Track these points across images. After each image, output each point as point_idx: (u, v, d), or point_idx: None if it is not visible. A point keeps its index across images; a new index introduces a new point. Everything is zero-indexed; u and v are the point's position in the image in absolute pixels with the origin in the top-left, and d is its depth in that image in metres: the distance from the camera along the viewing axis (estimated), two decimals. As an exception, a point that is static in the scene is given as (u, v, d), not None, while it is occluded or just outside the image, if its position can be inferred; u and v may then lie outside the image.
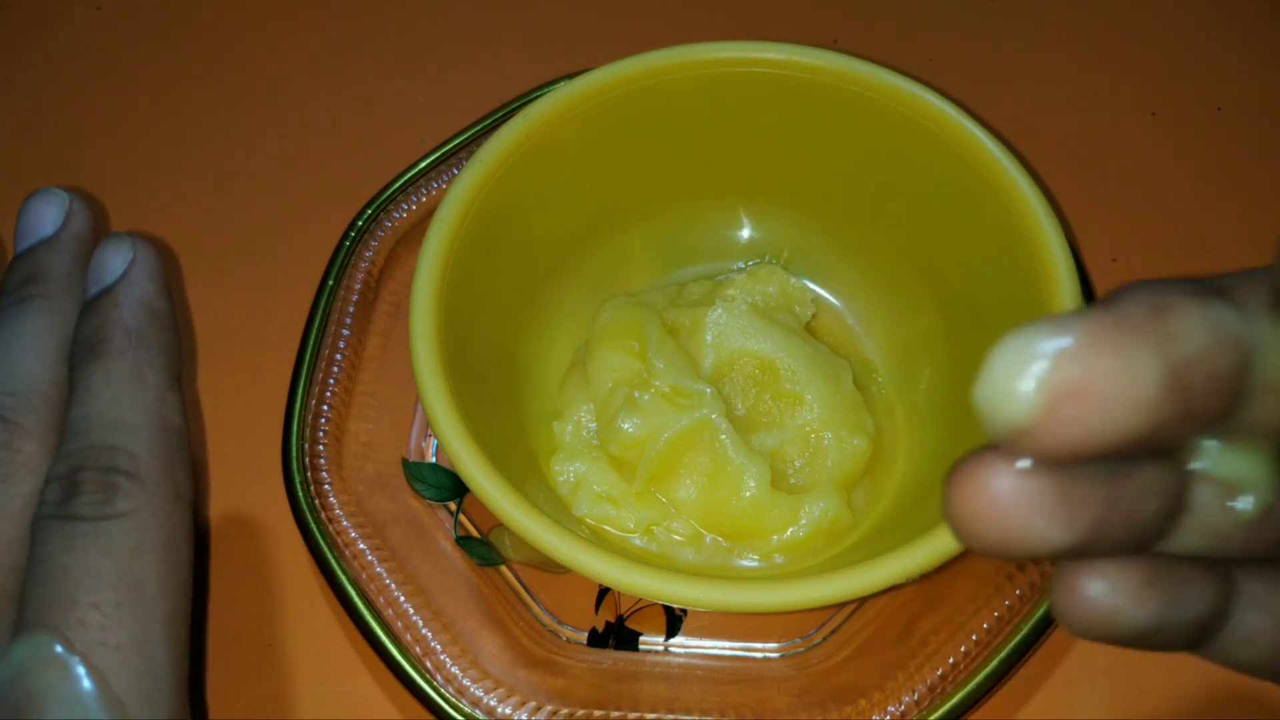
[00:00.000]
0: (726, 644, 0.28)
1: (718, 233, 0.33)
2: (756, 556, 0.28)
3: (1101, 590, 0.15)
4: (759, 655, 0.28)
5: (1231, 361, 0.13)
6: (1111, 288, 0.37)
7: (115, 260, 0.26)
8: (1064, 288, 0.25)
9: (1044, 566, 0.27)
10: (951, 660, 0.26)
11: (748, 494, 0.27)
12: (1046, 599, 0.26)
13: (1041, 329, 0.13)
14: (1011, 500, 0.13)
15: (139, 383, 0.24)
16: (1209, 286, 0.14)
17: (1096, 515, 0.14)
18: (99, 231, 0.27)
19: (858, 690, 0.26)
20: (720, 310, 0.29)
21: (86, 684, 0.19)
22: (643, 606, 0.29)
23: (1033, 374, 0.12)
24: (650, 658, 0.28)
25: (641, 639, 0.28)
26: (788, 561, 0.28)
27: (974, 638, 0.26)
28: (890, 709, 0.26)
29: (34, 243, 0.27)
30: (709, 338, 0.29)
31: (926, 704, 0.26)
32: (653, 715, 0.26)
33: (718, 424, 0.27)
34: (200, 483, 0.30)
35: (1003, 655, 0.26)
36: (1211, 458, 0.15)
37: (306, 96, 0.39)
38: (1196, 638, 0.16)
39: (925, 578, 0.22)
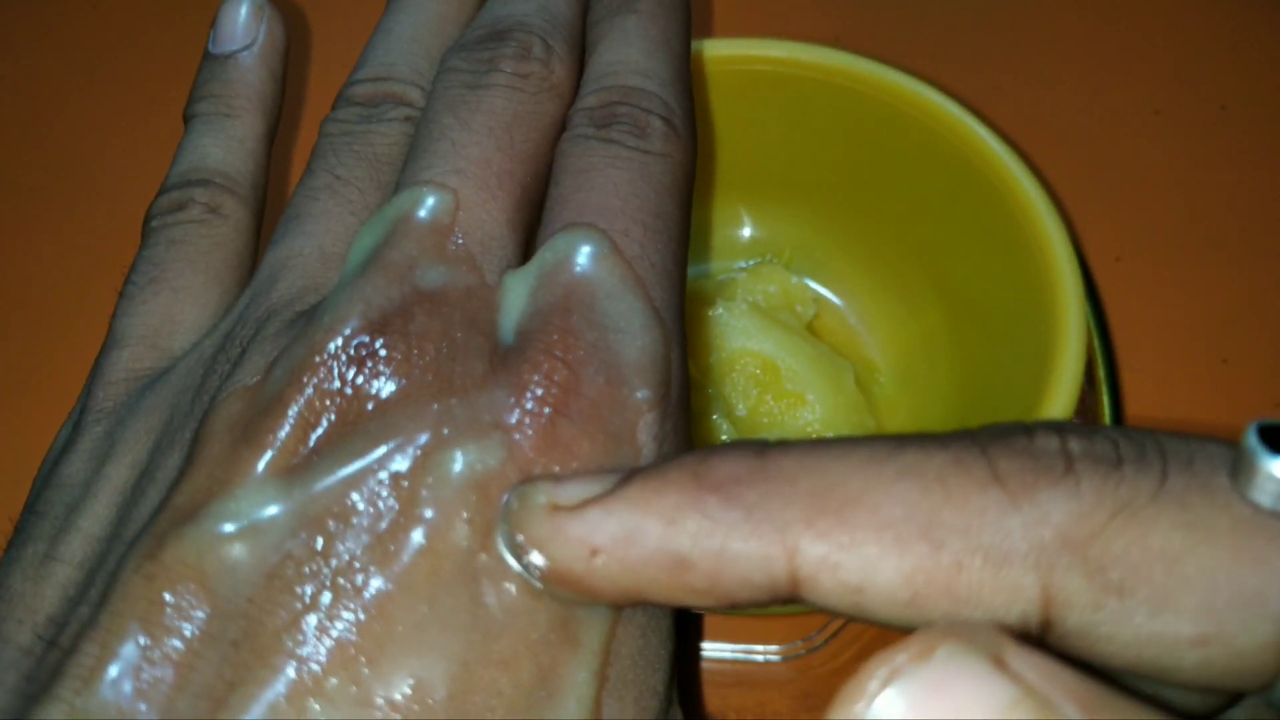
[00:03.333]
0: (727, 646, 0.28)
1: (718, 231, 0.33)
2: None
3: None
4: (760, 658, 0.28)
5: None
6: (1115, 288, 0.37)
7: None
8: (1068, 288, 0.24)
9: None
10: (954, 663, 0.26)
11: (749, 495, 0.27)
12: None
13: None
14: None
15: (669, 45, 0.22)
16: None
17: None
18: None
19: (860, 693, 0.26)
20: (721, 309, 0.29)
21: (631, 286, 0.18)
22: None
23: None
24: (650, 660, 0.28)
25: (642, 641, 0.28)
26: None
27: (977, 640, 0.26)
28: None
29: None
30: (710, 337, 0.29)
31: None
32: (653, 718, 0.26)
33: (718, 424, 0.27)
34: None
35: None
36: None
37: (305, 92, 0.39)
38: None
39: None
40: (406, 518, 0.15)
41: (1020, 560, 0.13)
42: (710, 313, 0.29)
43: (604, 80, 0.21)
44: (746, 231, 0.33)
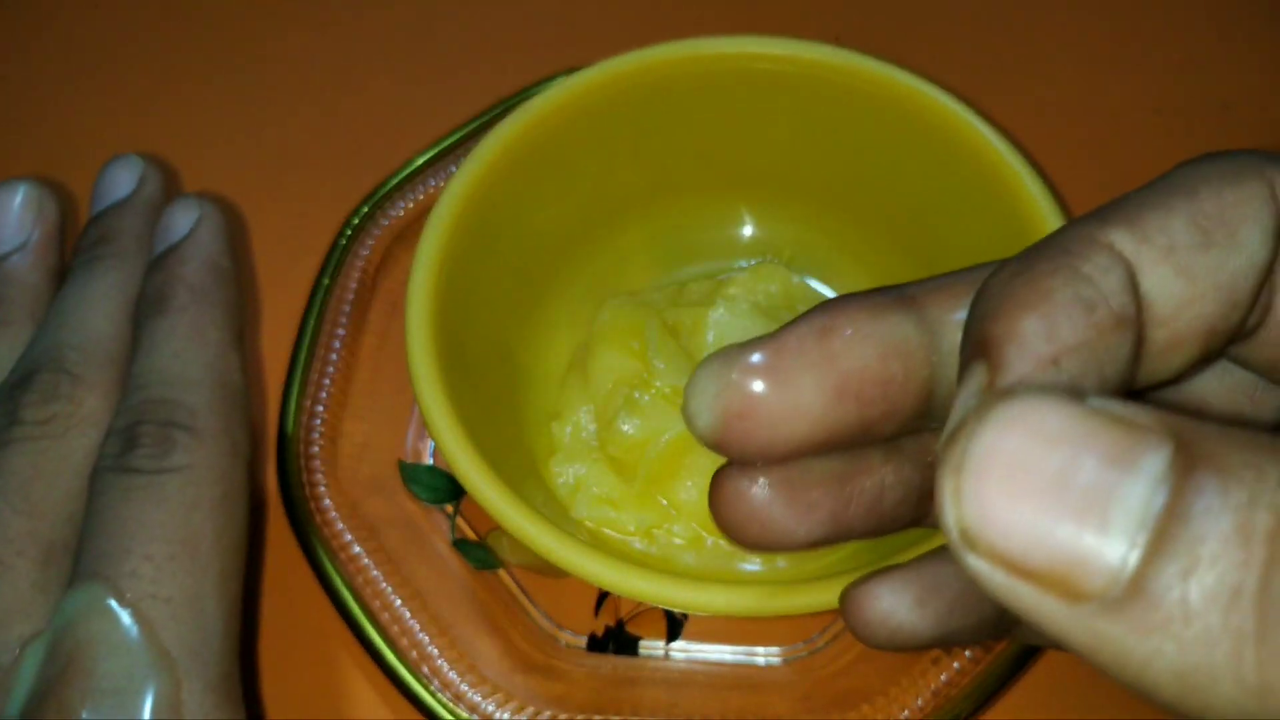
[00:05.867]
0: (728, 648, 0.28)
1: (719, 230, 0.33)
2: (758, 560, 0.27)
3: (882, 608, 0.16)
4: (761, 660, 0.27)
5: (902, 367, 0.15)
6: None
7: (182, 219, 0.26)
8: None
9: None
10: (956, 665, 0.26)
11: (750, 496, 0.27)
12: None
13: (729, 354, 0.14)
14: (756, 505, 0.15)
15: (201, 339, 0.24)
16: (900, 295, 0.15)
17: (831, 511, 0.16)
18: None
19: (862, 695, 0.26)
20: (722, 309, 0.29)
21: (135, 635, 0.19)
22: (643, 611, 0.28)
23: (709, 397, 0.14)
24: (650, 663, 0.27)
25: (642, 643, 0.28)
26: (790, 565, 0.27)
27: (980, 642, 0.26)
28: (895, 714, 0.25)
29: (108, 205, 0.27)
30: (710, 337, 0.29)
31: (931, 709, 0.25)
32: (653, 721, 0.26)
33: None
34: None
35: (1008, 658, 0.25)
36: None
37: (302, 91, 0.39)
38: (994, 632, 0.17)
39: (931, 582, 0.22)
40: None
41: None
42: (711, 312, 0.29)
43: (132, 396, 0.23)
44: (747, 230, 0.33)
